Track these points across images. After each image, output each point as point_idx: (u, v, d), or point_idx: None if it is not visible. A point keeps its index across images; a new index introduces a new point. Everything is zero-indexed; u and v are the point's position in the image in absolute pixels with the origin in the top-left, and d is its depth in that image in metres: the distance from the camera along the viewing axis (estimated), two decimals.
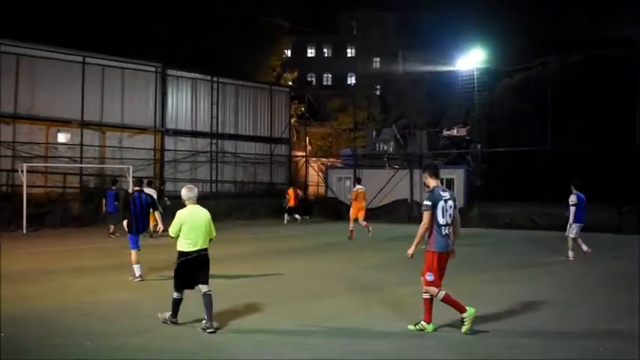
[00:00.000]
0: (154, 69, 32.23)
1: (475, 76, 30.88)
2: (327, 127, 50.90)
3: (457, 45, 33.85)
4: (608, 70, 29.82)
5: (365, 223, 22.55)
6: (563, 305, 10.77)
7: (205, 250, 8.81)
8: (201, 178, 32.71)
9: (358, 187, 23.38)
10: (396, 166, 33.76)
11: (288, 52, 71.70)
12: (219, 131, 34.60)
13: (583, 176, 27.31)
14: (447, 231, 8.40)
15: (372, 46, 68.65)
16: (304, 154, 40.79)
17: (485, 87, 31.56)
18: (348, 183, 35.44)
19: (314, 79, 78.35)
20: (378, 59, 69.89)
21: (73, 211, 27.34)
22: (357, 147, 38.48)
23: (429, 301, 8.49)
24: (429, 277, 8.35)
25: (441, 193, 8.45)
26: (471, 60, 31.17)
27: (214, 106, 34.33)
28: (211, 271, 8.98)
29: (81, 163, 28.73)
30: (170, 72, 33.20)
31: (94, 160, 29.60)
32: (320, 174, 39.61)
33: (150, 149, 31.78)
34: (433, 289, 8.37)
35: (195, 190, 9.20)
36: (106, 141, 30.30)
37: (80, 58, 28.95)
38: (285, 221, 30.03)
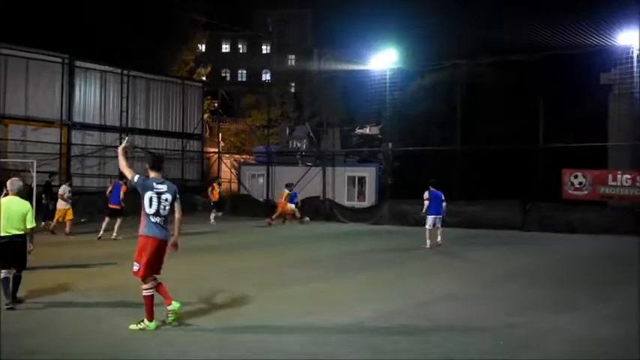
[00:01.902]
0: (60, 60, 31.08)
1: (388, 76, 31.29)
2: (241, 124, 50.48)
3: (371, 45, 34.16)
4: (515, 73, 30.85)
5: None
6: (465, 300, 11.03)
7: (20, 236, 9.68)
8: (110, 174, 31.70)
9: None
10: (309, 164, 33.86)
11: (203, 47, 70.83)
12: (129, 126, 33.72)
13: (490, 176, 28.42)
14: (156, 220, 8.47)
15: (288, 43, 68.74)
16: (217, 150, 40.32)
17: (397, 87, 32.02)
18: (261, 180, 35.34)
19: (228, 75, 77.67)
20: (293, 57, 70.08)
21: None
22: (271, 144, 38.37)
23: (149, 299, 8.41)
24: (135, 267, 8.45)
25: (155, 184, 8.60)
26: (384, 60, 31.54)
27: (124, 100, 33.45)
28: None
29: None
30: (78, 64, 32.12)
31: None
32: (233, 171, 39.27)
33: (56, 143, 30.64)
34: (140, 280, 8.45)
35: (18, 183, 10.07)
36: (8, 134, 29.03)
37: None
38: (212, 219, 27.64)
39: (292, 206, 27.97)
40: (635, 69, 25.56)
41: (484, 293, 11.83)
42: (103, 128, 32.96)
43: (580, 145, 27.33)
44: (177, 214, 8.73)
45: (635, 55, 25.46)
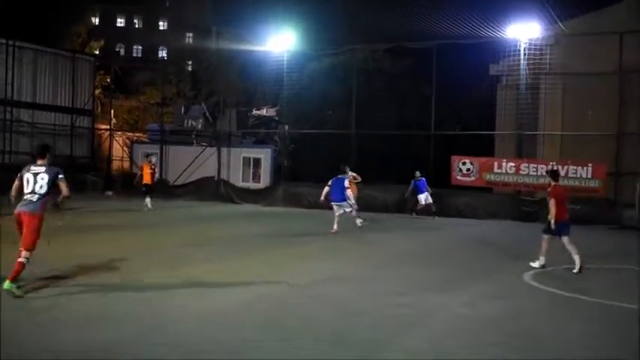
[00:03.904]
0: None
1: (285, 59, 31.26)
2: (135, 101, 49.12)
3: (270, 26, 33.99)
4: (409, 61, 31.57)
5: None
6: (354, 280, 11.24)
7: None
8: None
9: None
10: (204, 144, 33.43)
11: (96, 20, 68.40)
12: (15, 99, 32.10)
13: (384, 160, 29.03)
14: (30, 198, 9.16)
15: (185, 20, 67.31)
16: (109, 127, 39.10)
17: (295, 69, 32.06)
18: (154, 159, 34.55)
19: (123, 50, 75.30)
20: (190, 34, 68.62)
21: None
22: (165, 123, 37.58)
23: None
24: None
25: (32, 167, 9.35)
26: (283, 42, 31.48)
27: (9, 72, 31.79)
28: None
29: None
30: None
31: None
32: (125, 149, 38.19)
33: None
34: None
35: None
36: None
37: None
38: (148, 206, 24.08)
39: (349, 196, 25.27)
40: (521, 61, 26.69)
41: (374, 274, 12.10)
42: None
43: (469, 133, 28.39)
44: (61, 189, 9.48)
45: (522, 48, 26.58)
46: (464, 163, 26.61)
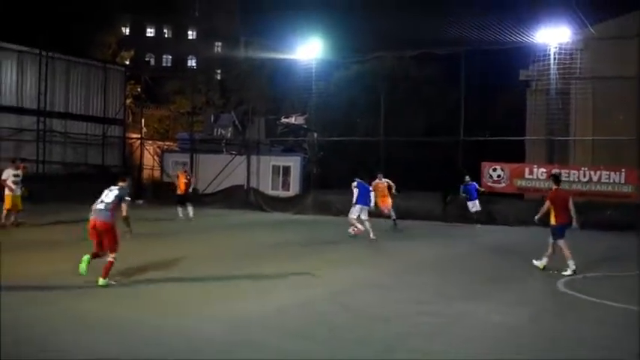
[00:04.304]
0: None
1: (314, 66, 31.39)
2: (165, 110, 49.65)
3: (298, 35, 34.15)
4: (437, 67, 31.46)
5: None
6: (383, 288, 11.22)
7: None
8: (27, 158, 30.69)
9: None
10: (234, 152, 33.62)
11: (127, 31, 69.25)
12: (48, 109, 32.62)
13: (413, 167, 28.92)
14: (98, 206, 10.72)
15: (214, 30, 67.90)
16: (139, 136, 39.54)
17: (323, 77, 32.14)
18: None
19: (153, 60, 76.13)
20: (219, 43, 69.20)
21: None
22: (195, 131, 37.90)
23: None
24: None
25: (111, 187, 11.10)
26: (311, 50, 31.61)
27: (43, 82, 32.34)
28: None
29: None
30: None
31: None
32: (156, 157, 38.58)
33: None
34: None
35: None
36: None
37: None
38: (189, 215, 23.08)
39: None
40: (552, 66, 26.45)
41: (403, 282, 12.08)
42: (19, 111, 31.76)
43: (499, 139, 28.16)
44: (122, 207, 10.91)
45: (552, 53, 26.34)
46: (494, 170, 26.43)
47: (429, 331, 8.30)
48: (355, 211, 18.65)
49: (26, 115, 31.86)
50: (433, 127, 30.11)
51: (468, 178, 24.70)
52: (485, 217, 25.21)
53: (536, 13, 26.69)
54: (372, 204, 19.22)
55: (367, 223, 18.48)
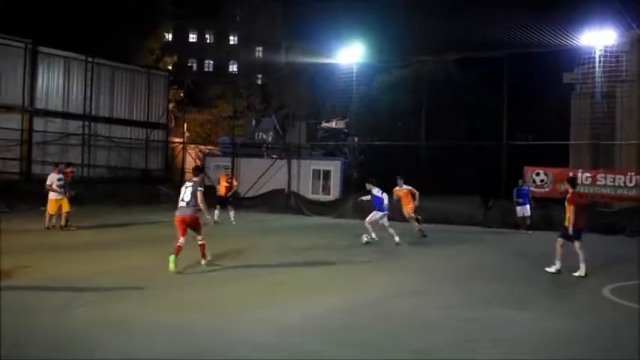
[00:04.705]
0: (23, 45, 30.53)
1: (354, 71, 31.37)
2: (207, 114, 50.15)
3: (339, 38, 34.20)
4: (479, 70, 31.15)
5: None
6: (426, 294, 11.14)
7: None
8: (73, 162, 31.26)
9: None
10: (275, 156, 33.78)
11: (169, 36, 70.18)
12: (93, 114, 33.26)
13: (453, 171, 28.66)
14: (180, 204, 12.59)
15: (255, 35, 68.39)
16: (182, 140, 40.01)
17: (364, 81, 32.14)
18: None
19: (195, 65, 77.00)
20: (260, 48, 69.68)
21: None
22: (236, 135, 38.18)
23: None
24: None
25: (186, 183, 13.02)
26: (351, 54, 31.63)
27: (88, 88, 32.98)
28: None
29: None
30: (41, 49, 31.58)
31: None
32: (197, 161, 38.95)
33: (17, 129, 30.10)
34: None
35: None
36: None
37: None
38: (215, 217, 22.21)
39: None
40: (597, 69, 26.00)
41: (444, 288, 11.96)
42: (65, 115, 32.45)
43: (542, 143, 27.74)
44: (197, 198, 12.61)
45: (597, 55, 25.90)
46: (537, 174, 26.06)
47: (474, 338, 8.21)
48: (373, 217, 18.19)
49: (72, 119, 32.52)
50: (475, 131, 29.83)
51: (521, 182, 24.33)
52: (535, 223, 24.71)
53: (580, 15, 26.27)
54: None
55: (390, 229, 18.14)
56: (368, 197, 18.73)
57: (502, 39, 26.50)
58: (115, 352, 7.12)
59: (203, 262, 12.77)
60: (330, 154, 33.87)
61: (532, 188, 25.56)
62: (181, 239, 12.28)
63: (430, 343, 7.95)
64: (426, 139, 29.08)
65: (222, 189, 24.13)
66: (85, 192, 26.14)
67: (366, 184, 18.91)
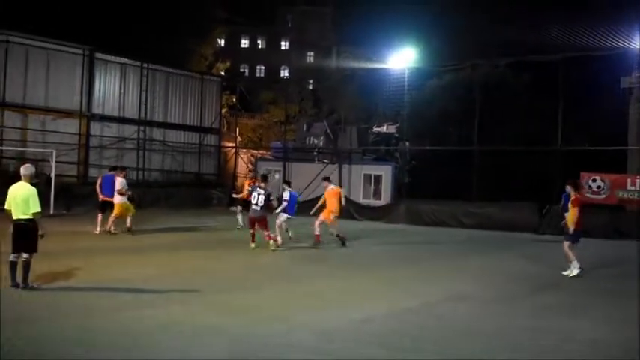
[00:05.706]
0: (81, 52, 31.36)
1: (406, 75, 31.24)
2: (258, 119, 50.57)
3: (390, 43, 34.15)
4: (533, 74, 30.65)
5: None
6: (477, 301, 11.03)
7: (25, 220, 9.91)
8: (128, 166, 31.80)
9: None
10: (326, 161, 33.84)
11: (222, 42, 71.01)
12: (148, 118, 33.92)
13: (507, 177, 28.23)
14: (254, 208, 16.22)
15: (307, 40, 68.74)
16: (234, 145, 40.43)
17: (415, 86, 31.97)
18: (277, 176, 35.29)
19: (247, 71, 77.81)
20: (311, 53, 70.06)
21: None
22: (288, 140, 38.36)
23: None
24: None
25: (257, 189, 16.53)
26: (403, 59, 31.50)
27: (143, 93, 33.63)
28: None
29: (1, 146, 27.72)
30: (98, 56, 32.37)
31: (15, 142, 28.58)
32: (250, 166, 39.31)
33: (75, 134, 30.91)
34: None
35: (30, 169, 10.26)
36: (28, 124, 29.34)
37: (3, 38, 28.01)
38: (240, 222, 22.58)
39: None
40: None
41: (495, 295, 11.82)
42: (121, 120, 33.19)
43: (599, 149, 27.07)
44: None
45: None
46: (594, 180, 25.51)
47: (528, 347, 8.10)
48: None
49: (127, 124, 33.22)
50: (529, 136, 29.32)
51: (569, 187, 23.67)
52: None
53: (637, 18, 25.65)
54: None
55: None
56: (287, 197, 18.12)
57: (556, 42, 26.04)
58: (170, 354, 7.23)
59: (272, 244, 16.25)
60: (381, 159, 33.75)
61: (588, 195, 24.96)
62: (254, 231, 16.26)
63: (475, 348, 7.88)
64: (478, 144, 28.74)
65: (246, 193, 22.98)
66: (141, 196, 26.61)
67: (283, 186, 19.92)
